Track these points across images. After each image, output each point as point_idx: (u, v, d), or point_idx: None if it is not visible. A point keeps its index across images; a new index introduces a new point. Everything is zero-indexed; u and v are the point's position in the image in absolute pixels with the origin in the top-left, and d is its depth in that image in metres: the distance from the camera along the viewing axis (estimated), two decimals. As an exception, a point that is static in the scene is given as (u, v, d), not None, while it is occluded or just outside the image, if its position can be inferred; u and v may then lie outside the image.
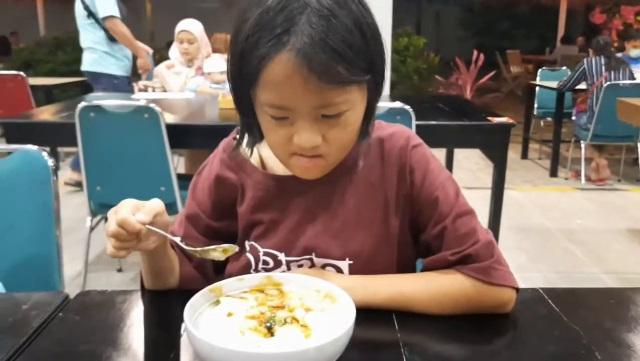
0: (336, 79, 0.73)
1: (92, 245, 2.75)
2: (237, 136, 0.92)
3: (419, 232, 0.93)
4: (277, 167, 0.93)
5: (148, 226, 0.78)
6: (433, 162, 0.93)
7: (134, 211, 0.78)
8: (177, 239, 0.84)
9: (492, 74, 8.34)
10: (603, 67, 4.66)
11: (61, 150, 5.32)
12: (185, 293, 0.92)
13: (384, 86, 0.85)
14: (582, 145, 4.80)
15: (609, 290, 0.97)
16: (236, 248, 0.83)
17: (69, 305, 0.88)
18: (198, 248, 0.83)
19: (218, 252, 0.83)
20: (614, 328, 0.83)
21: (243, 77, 0.77)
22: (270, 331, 0.70)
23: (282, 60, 0.72)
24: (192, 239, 0.95)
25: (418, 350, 0.75)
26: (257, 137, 0.88)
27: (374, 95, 0.83)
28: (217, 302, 0.76)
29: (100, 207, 2.60)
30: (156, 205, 0.81)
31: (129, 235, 0.77)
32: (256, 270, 0.93)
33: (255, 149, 0.93)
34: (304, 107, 0.76)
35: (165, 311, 0.89)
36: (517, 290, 0.86)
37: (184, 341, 0.77)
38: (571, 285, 2.92)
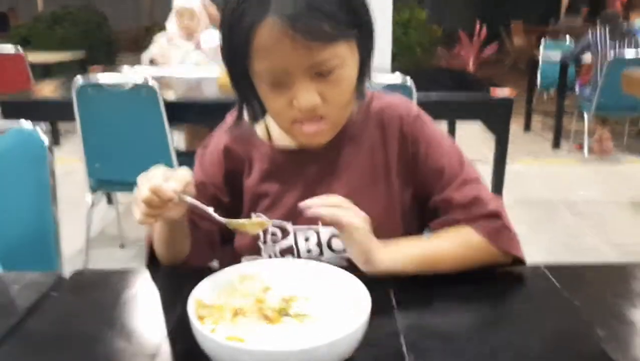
0: (322, 35, 0.76)
1: (93, 222, 2.75)
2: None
3: (426, 201, 0.94)
4: (284, 139, 0.94)
5: (180, 195, 0.77)
6: (435, 130, 0.94)
7: (166, 179, 0.77)
8: (210, 209, 0.81)
9: (495, 45, 8.23)
10: (608, 38, 4.58)
11: (61, 127, 5.29)
12: (182, 272, 0.92)
13: (374, 43, 0.87)
14: (586, 117, 4.75)
15: (611, 266, 0.96)
16: (270, 223, 0.85)
17: (62, 285, 0.87)
18: (232, 220, 0.81)
19: (251, 225, 0.82)
20: (616, 304, 0.82)
21: (235, 51, 0.80)
22: (273, 319, 0.68)
23: (267, 25, 0.75)
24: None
25: (415, 326, 0.74)
26: (258, 112, 0.89)
27: (364, 51, 0.85)
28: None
29: (99, 184, 2.59)
30: (186, 174, 0.80)
31: (161, 203, 0.76)
32: (264, 242, 0.94)
33: (262, 122, 0.95)
34: (297, 67, 0.78)
35: (161, 291, 0.88)
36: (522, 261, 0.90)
37: (180, 321, 0.76)
38: (573, 256, 2.91)
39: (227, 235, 0.97)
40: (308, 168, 0.94)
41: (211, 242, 0.97)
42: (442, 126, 3.66)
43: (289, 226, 0.94)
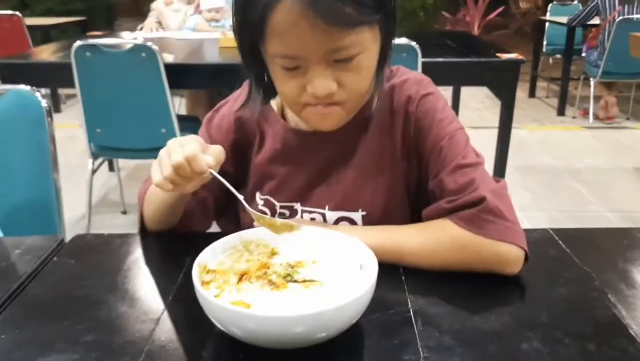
0: (344, 20, 0.70)
1: (95, 188, 2.73)
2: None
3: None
4: (298, 120, 0.90)
5: (212, 171, 0.73)
6: (443, 111, 0.88)
7: (202, 150, 0.73)
8: (241, 197, 0.77)
9: (500, 9, 8.08)
10: (616, 1, 4.48)
11: (62, 92, 5.24)
12: (186, 236, 0.91)
13: (396, 28, 0.81)
14: (592, 83, 4.68)
15: (622, 230, 0.94)
16: (300, 227, 0.76)
17: (63, 249, 0.86)
18: (262, 216, 0.76)
19: (282, 226, 0.75)
20: (627, 270, 0.80)
21: (248, 28, 0.74)
22: (279, 285, 0.67)
23: (286, 6, 0.69)
24: None
25: (422, 291, 0.73)
26: (270, 92, 0.84)
27: (386, 36, 0.79)
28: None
29: (100, 149, 2.57)
30: (220, 152, 0.76)
31: (190, 173, 0.71)
32: None
33: (278, 98, 0.90)
34: (314, 53, 0.73)
35: (163, 255, 0.87)
36: (525, 252, 0.77)
37: (183, 286, 0.75)
38: (576, 224, 2.90)
39: (223, 204, 0.94)
40: (319, 152, 0.90)
41: (205, 210, 0.94)
42: (447, 92, 3.62)
43: (297, 206, 0.91)
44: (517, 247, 0.76)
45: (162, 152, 0.73)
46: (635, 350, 0.63)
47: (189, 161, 0.70)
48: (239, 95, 0.94)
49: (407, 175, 0.91)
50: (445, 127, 0.86)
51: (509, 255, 0.76)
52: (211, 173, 0.73)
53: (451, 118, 0.88)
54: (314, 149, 0.90)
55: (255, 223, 0.78)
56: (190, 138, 0.74)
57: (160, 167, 0.72)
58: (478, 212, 0.77)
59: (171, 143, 0.73)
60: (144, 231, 0.92)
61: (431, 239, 0.79)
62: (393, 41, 0.82)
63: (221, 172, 0.83)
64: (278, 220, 0.76)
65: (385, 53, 0.81)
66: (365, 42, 0.75)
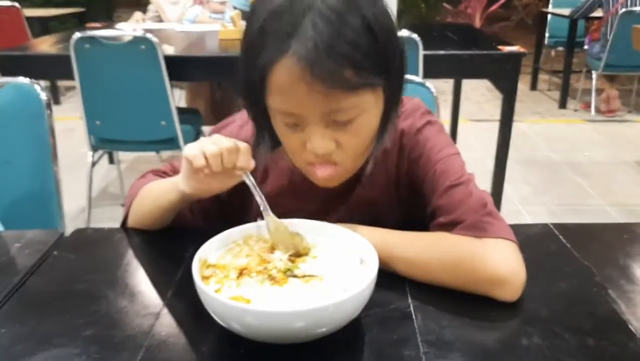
0: (343, 84, 0.69)
1: (95, 181, 2.73)
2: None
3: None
4: None
5: (247, 173, 0.75)
6: (436, 138, 0.87)
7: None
8: (268, 209, 0.77)
9: (502, 1, 8.04)
10: (619, -7, 4.46)
11: (61, 84, 5.23)
12: (184, 230, 0.90)
13: (403, 89, 0.80)
14: (594, 76, 4.66)
15: (623, 225, 0.94)
16: (310, 250, 0.74)
17: (64, 243, 0.86)
18: (277, 237, 0.75)
19: (294, 243, 0.74)
20: (627, 265, 0.80)
21: (252, 83, 0.73)
22: (279, 280, 0.67)
23: (285, 66, 0.68)
24: None
25: (422, 286, 0.73)
26: (276, 142, 0.82)
27: (391, 97, 0.77)
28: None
29: (100, 142, 2.57)
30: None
31: (231, 164, 0.72)
32: None
33: None
34: (312, 113, 0.72)
35: (163, 250, 0.87)
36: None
37: (183, 280, 0.75)
38: (576, 217, 2.90)
39: (213, 212, 0.92)
40: (323, 191, 0.86)
41: (195, 216, 0.92)
42: (448, 84, 3.60)
43: None
44: (512, 267, 0.71)
45: (204, 140, 0.73)
46: (634, 345, 0.63)
47: (237, 152, 0.71)
48: (247, 120, 0.89)
49: (402, 201, 0.90)
50: (437, 153, 0.85)
51: (504, 268, 0.71)
52: (245, 175, 0.74)
53: (443, 145, 0.86)
54: (317, 187, 0.85)
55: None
56: (225, 140, 0.74)
57: (202, 146, 0.72)
58: (475, 219, 0.76)
59: (217, 137, 0.74)
60: (125, 226, 0.90)
61: (427, 248, 0.76)
62: (400, 101, 0.81)
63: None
64: (291, 236, 0.75)
65: (390, 113, 0.79)
66: (366, 104, 0.74)
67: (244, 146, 0.73)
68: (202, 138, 0.74)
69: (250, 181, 0.75)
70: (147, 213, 0.87)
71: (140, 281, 0.77)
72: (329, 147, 0.75)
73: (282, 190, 0.90)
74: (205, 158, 0.71)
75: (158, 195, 0.85)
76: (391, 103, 0.78)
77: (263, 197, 0.76)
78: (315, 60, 0.66)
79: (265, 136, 0.82)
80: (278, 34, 0.68)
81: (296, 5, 0.68)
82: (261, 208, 0.76)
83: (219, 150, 0.71)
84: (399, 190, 0.91)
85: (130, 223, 0.90)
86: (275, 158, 0.89)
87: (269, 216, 0.76)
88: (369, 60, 0.70)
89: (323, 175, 0.78)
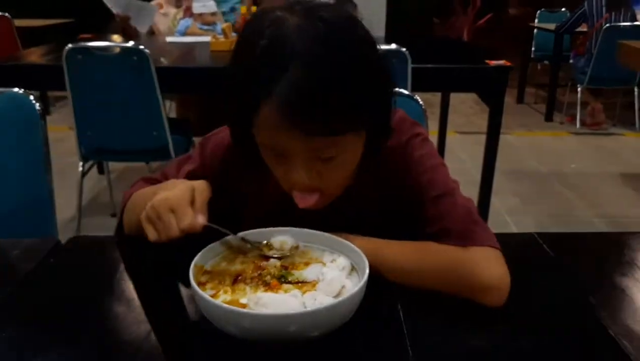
0: (324, 130, 0.70)
1: (85, 190, 2.73)
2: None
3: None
4: None
5: (208, 224, 0.74)
6: (421, 150, 0.88)
7: (187, 204, 0.72)
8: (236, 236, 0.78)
9: (489, 15, 8.16)
10: (604, 9, 4.55)
11: (51, 94, 5.22)
12: (180, 240, 0.92)
13: (391, 128, 0.81)
14: (579, 89, 4.74)
15: (604, 235, 0.97)
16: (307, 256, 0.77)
17: (60, 251, 0.87)
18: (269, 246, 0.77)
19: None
20: (609, 273, 0.83)
21: (239, 116, 0.75)
22: (273, 286, 0.69)
23: (267, 109, 0.69)
24: None
25: (411, 292, 0.75)
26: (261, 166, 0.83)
27: (374, 137, 0.79)
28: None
29: (91, 152, 2.57)
30: (206, 194, 0.76)
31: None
32: None
33: None
34: (295, 152, 0.74)
35: (159, 257, 0.88)
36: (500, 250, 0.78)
37: (176, 287, 0.77)
38: (563, 228, 2.94)
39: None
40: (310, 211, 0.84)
41: None
42: (437, 97, 3.65)
43: None
44: (498, 274, 0.74)
45: (152, 213, 0.73)
46: (615, 350, 0.66)
47: (186, 232, 0.71)
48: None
49: (389, 212, 0.90)
50: (422, 166, 0.86)
51: (489, 269, 0.74)
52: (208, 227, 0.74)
53: (428, 156, 0.88)
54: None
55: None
56: (178, 197, 0.73)
57: (155, 231, 0.73)
58: (461, 228, 0.79)
59: (160, 205, 0.72)
60: (121, 235, 0.90)
61: (418, 254, 0.78)
62: (384, 138, 0.82)
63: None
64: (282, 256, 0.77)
65: (372, 149, 0.80)
66: (348, 144, 0.75)
67: (188, 226, 0.71)
68: (151, 214, 0.73)
69: (218, 228, 0.75)
70: (136, 222, 0.85)
71: (137, 286, 0.78)
72: (313, 182, 0.76)
73: (270, 215, 0.87)
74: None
75: (143, 204, 0.83)
76: (374, 142, 0.80)
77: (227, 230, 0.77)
78: (297, 107, 0.68)
79: (251, 160, 0.82)
80: (262, 78, 0.69)
81: (282, 50, 0.69)
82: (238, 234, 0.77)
83: (167, 239, 0.71)
84: (386, 203, 0.91)
85: (126, 231, 0.91)
86: (263, 179, 0.87)
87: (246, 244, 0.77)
88: (353, 107, 0.71)
89: (306, 204, 0.79)
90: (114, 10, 3.49)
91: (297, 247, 0.77)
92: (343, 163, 0.77)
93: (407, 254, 0.78)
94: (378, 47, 0.76)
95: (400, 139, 0.88)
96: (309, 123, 0.69)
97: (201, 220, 0.72)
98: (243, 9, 3.46)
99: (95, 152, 2.58)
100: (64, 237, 0.93)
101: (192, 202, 0.73)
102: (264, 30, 0.70)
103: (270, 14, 0.72)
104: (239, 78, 0.73)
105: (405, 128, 0.89)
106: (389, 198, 0.90)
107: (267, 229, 0.79)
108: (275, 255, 0.76)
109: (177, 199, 0.72)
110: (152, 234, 0.73)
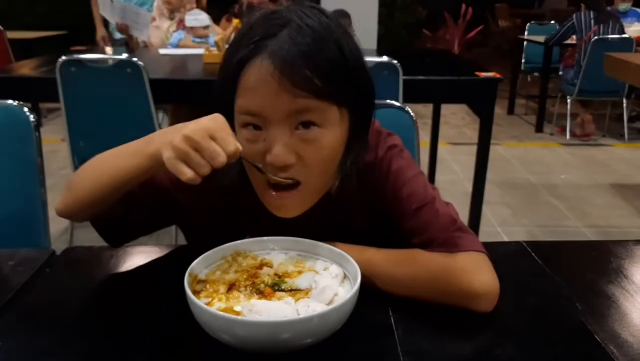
0: (310, 86, 0.72)
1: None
2: None
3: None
4: None
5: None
6: (398, 162, 0.88)
7: (231, 136, 0.69)
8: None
9: (480, 28, 8.25)
10: (592, 21, 4.62)
11: (43, 106, 5.22)
12: (173, 247, 0.93)
13: (369, 127, 0.83)
14: (569, 101, 4.80)
15: (591, 243, 0.99)
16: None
17: (55, 261, 0.88)
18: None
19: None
20: (595, 280, 0.85)
21: (223, 86, 0.76)
22: (267, 294, 0.70)
23: (257, 62, 0.73)
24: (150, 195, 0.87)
25: (402, 300, 0.76)
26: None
27: (355, 129, 0.80)
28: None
29: (84, 163, 2.57)
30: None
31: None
32: None
33: None
34: (277, 111, 0.73)
35: (153, 266, 0.89)
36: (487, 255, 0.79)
37: (171, 296, 0.78)
38: (554, 238, 2.97)
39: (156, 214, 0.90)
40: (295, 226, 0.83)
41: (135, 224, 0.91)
42: (428, 108, 3.68)
43: None
44: (488, 279, 0.75)
45: (184, 146, 0.67)
46: (600, 354, 0.67)
47: (231, 158, 0.68)
48: None
49: (371, 226, 0.91)
50: (400, 178, 0.87)
51: (476, 270, 0.76)
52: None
53: (406, 167, 0.88)
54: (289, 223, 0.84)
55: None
56: (217, 123, 0.70)
57: (194, 165, 0.67)
58: (446, 236, 0.80)
59: (196, 134, 0.67)
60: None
61: (406, 264, 0.79)
62: (365, 138, 0.83)
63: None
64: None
65: (353, 144, 0.81)
66: (331, 118, 0.76)
67: (235, 150, 0.68)
68: (181, 145, 0.67)
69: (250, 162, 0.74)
70: (97, 189, 0.82)
71: (132, 297, 0.79)
72: (289, 159, 0.75)
73: (256, 223, 0.86)
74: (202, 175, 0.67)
75: (117, 169, 0.80)
76: (355, 134, 0.80)
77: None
78: (288, 59, 0.71)
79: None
80: (255, 37, 0.74)
81: (275, 19, 0.75)
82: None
83: (210, 169, 0.67)
84: (370, 215, 0.91)
85: (62, 206, 0.85)
86: (248, 190, 0.84)
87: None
88: (338, 76, 0.74)
89: (282, 200, 0.78)
90: (113, 21, 3.52)
91: None
92: (321, 143, 0.76)
93: (396, 262, 0.80)
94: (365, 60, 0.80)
95: (377, 153, 0.88)
96: (298, 77, 0.71)
97: (239, 146, 0.69)
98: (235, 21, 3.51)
99: (88, 164, 2.58)
100: (57, 248, 0.94)
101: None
102: (258, 12, 0.77)
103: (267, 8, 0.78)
104: (233, 44, 0.76)
105: (382, 141, 0.90)
106: (372, 212, 0.90)
107: (265, 238, 0.81)
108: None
109: (216, 125, 0.69)
110: (188, 172, 0.66)
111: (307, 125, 0.75)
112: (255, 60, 0.73)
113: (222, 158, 0.67)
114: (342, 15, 2.95)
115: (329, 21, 0.76)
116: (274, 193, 0.78)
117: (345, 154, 0.81)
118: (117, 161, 0.81)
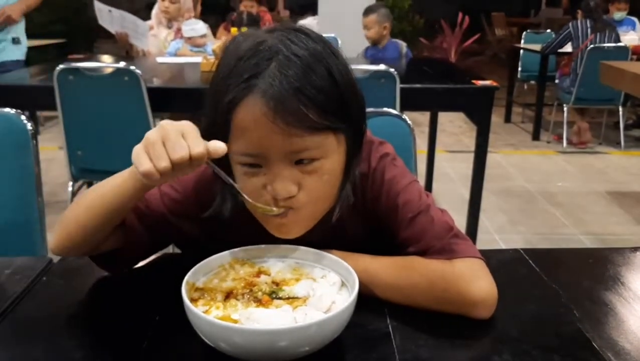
0: (306, 123, 0.70)
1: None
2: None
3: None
4: None
5: (211, 163, 0.69)
6: (391, 171, 0.88)
7: (202, 141, 0.67)
8: (235, 185, 0.75)
9: (476, 36, 8.29)
10: (589, 30, 4.65)
11: (40, 114, 5.22)
12: (170, 255, 0.93)
13: (363, 144, 0.82)
14: (565, 109, 4.82)
15: (588, 250, 1.00)
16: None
17: (52, 270, 0.88)
18: (259, 205, 0.75)
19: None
20: (592, 287, 0.85)
21: (215, 128, 0.73)
22: (264, 302, 0.70)
23: (249, 103, 0.70)
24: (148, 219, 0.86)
25: (400, 308, 0.76)
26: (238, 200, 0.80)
27: (352, 149, 0.79)
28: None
29: (81, 172, 2.57)
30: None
31: (189, 167, 0.67)
32: None
33: None
34: (275, 152, 0.72)
35: (151, 274, 0.89)
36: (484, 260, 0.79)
37: (169, 304, 0.78)
38: (551, 246, 2.97)
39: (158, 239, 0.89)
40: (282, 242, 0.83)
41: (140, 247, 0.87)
42: (425, 117, 3.70)
43: None
44: (486, 286, 0.75)
45: (154, 136, 0.66)
46: (598, 362, 0.67)
47: (194, 158, 0.66)
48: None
49: (367, 236, 0.90)
50: (395, 188, 0.86)
51: (474, 274, 0.76)
52: (207, 163, 0.69)
53: (400, 176, 0.87)
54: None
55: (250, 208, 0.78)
56: (189, 125, 0.68)
57: (153, 156, 0.66)
58: (442, 243, 0.80)
59: (168, 127, 0.67)
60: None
61: (404, 271, 0.79)
62: (359, 159, 0.82)
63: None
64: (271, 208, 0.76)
65: (351, 162, 0.80)
66: (329, 147, 0.75)
67: (201, 153, 0.66)
68: (152, 137, 0.67)
69: (215, 168, 0.72)
70: (89, 218, 0.80)
71: (129, 305, 0.79)
72: (291, 191, 0.74)
73: (252, 238, 0.84)
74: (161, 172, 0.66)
75: (106, 190, 0.79)
76: (352, 156, 0.80)
77: (229, 179, 0.74)
78: (280, 97, 0.69)
79: (227, 192, 0.80)
80: (244, 75, 0.70)
81: (262, 51, 0.71)
82: (235, 187, 0.75)
83: (170, 165, 0.65)
84: (367, 226, 0.90)
85: (56, 242, 0.83)
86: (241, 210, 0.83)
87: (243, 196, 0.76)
88: (332, 104, 0.72)
89: (281, 223, 0.77)
90: (112, 30, 3.52)
91: None
92: (322, 172, 0.75)
93: (393, 269, 0.80)
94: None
95: (370, 164, 0.88)
96: (291, 114, 0.69)
97: (221, 146, 0.68)
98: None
99: (85, 172, 2.58)
100: (54, 256, 0.94)
101: None
102: (246, 41, 0.74)
103: (251, 34, 0.76)
104: (221, 82, 0.73)
105: (374, 151, 0.89)
106: (367, 221, 0.89)
107: (262, 246, 0.81)
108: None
109: (188, 126, 0.68)
110: (145, 164, 0.65)
111: (306, 162, 0.74)
112: (247, 100, 0.70)
113: (183, 153, 0.65)
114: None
115: (315, 45, 0.73)
116: (273, 217, 0.77)
117: (346, 173, 0.80)
118: (104, 184, 0.80)
